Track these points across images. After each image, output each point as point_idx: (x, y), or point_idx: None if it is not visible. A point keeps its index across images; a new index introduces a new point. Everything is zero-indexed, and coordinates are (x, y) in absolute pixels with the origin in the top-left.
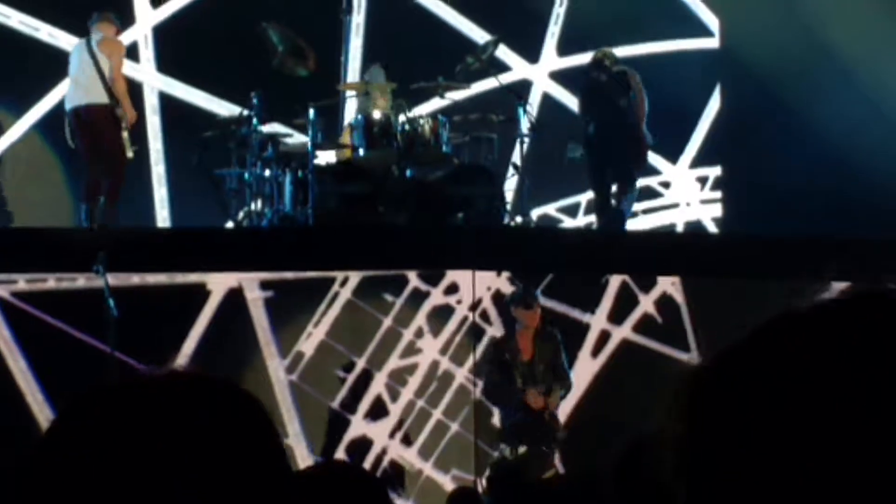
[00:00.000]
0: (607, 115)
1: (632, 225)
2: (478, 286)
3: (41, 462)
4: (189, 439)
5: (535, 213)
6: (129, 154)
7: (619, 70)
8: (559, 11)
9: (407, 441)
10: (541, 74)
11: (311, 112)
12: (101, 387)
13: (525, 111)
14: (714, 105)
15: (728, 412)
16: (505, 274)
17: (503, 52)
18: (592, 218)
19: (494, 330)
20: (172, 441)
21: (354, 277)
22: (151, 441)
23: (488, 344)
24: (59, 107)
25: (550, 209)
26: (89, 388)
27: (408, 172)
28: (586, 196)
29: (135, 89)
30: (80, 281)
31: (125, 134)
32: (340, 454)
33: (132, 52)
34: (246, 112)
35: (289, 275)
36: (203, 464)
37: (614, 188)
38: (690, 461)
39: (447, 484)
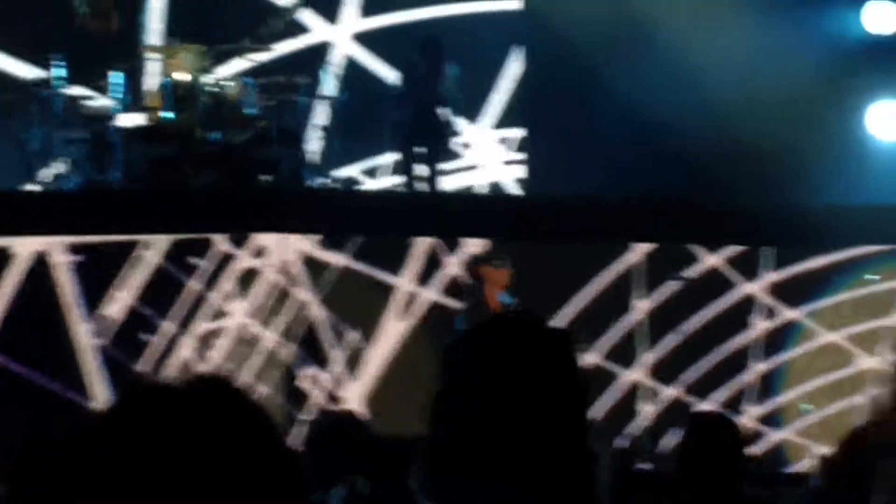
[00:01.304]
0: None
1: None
2: (286, 249)
3: (80, 450)
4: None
5: (341, 175)
6: None
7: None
8: None
9: None
10: (343, 36)
11: (116, 74)
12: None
13: (329, 73)
14: (517, 67)
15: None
16: (312, 236)
17: (307, 15)
18: (398, 179)
19: (303, 292)
20: (198, 448)
21: (161, 241)
22: (178, 447)
23: (461, 315)
24: None
25: (355, 171)
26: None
27: (213, 135)
28: (391, 158)
29: None
30: None
31: None
32: None
33: None
34: (49, 74)
35: (95, 238)
36: (221, 469)
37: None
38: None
39: None
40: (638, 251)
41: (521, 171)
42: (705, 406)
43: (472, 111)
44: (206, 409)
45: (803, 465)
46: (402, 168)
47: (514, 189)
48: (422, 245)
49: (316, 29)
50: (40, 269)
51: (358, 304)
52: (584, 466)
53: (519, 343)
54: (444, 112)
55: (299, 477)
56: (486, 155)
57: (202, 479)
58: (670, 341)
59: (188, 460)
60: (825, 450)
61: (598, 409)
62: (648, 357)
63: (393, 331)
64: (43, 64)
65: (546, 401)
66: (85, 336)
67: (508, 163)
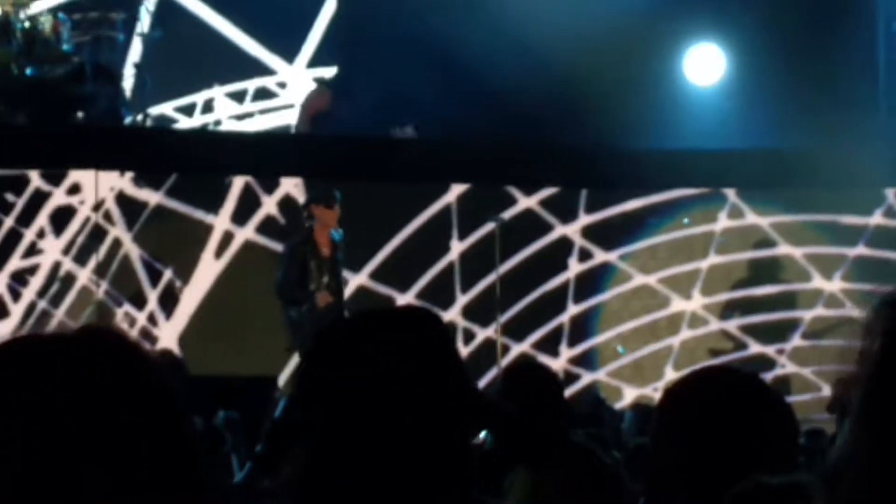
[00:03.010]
0: None
1: (250, 126)
2: (101, 186)
3: None
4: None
5: (154, 112)
6: None
7: None
8: None
9: None
10: None
11: None
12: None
13: (146, 10)
14: (330, 6)
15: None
16: (128, 174)
17: None
18: (209, 118)
19: (117, 231)
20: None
21: None
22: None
23: (286, 245)
24: None
25: (168, 108)
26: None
27: (28, 71)
28: (203, 96)
29: None
30: None
31: None
32: None
33: None
34: None
35: None
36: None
37: None
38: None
39: None
40: (454, 192)
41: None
42: (521, 347)
43: (286, 51)
44: (85, 356)
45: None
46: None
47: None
48: (238, 184)
49: None
50: None
51: (173, 243)
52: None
53: (394, 336)
54: None
55: (178, 426)
56: (300, 94)
57: (81, 425)
58: (486, 283)
59: (66, 405)
60: (639, 391)
61: None
62: (464, 298)
63: (208, 270)
64: None
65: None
66: None
67: None
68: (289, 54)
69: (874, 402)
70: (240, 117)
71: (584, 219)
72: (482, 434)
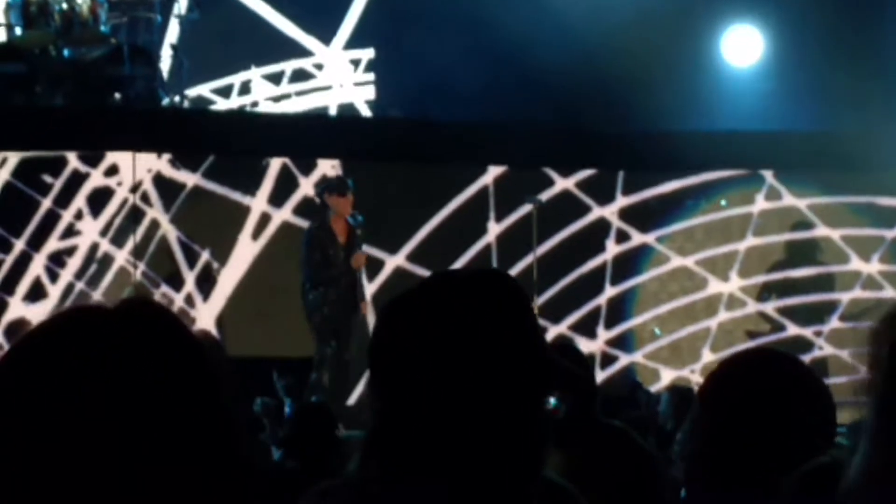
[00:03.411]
0: None
1: (286, 107)
2: (138, 168)
3: None
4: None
5: (191, 94)
6: None
7: None
8: None
9: None
10: None
11: None
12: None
13: None
14: None
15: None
16: (166, 156)
17: None
18: (246, 99)
19: (155, 212)
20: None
21: (13, 158)
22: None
23: (306, 231)
24: None
25: (205, 90)
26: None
27: (66, 53)
28: (240, 77)
29: None
30: None
31: None
32: None
33: None
34: None
35: None
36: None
37: None
38: None
39: None
40: (492, 173)
41: (371, 93)
42: (558, 329)
43: (323, 32)
44: (132, 331)
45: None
46: None
47: (365, 110)
48: (275, 165)
49: None
50: None
51: (210, 225)
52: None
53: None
54: None
55: (219, 394)
56: (337, 76)
57: (126, 400)
58: (523, 264)
59: (112, 381)
60: (675, 373)
61: None
62: None
63: (245, 251)
64: None
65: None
66: None
67: (358, 84)
68: (326, 36)
69: (887, 404)
70: (276, 99)
71: (622, 200)
72: (552, 401)
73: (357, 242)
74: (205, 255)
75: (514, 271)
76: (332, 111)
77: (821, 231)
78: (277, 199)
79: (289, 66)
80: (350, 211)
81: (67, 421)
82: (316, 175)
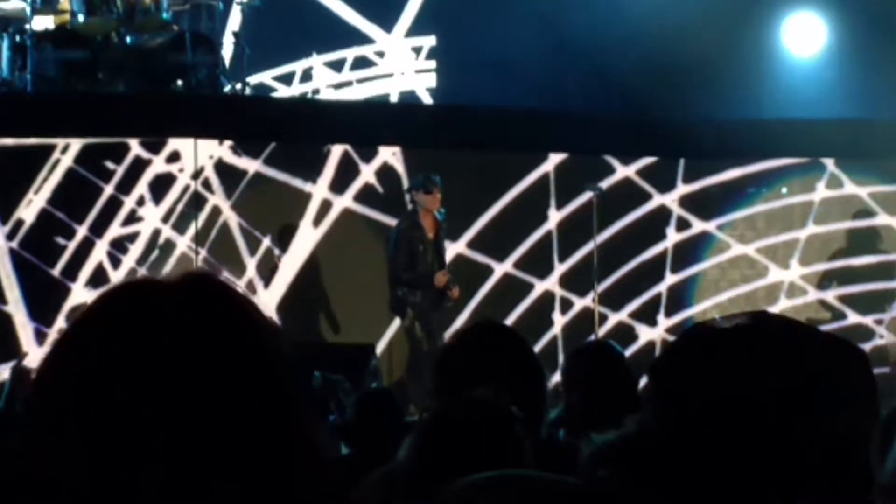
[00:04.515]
0: None
1: (348, 94)
2: (200, 155)
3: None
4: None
5: (252, 81)
6: None
7: None
8: None
9: None
10: None
11: None
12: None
13: None
14: None
15: None
16: (227, 142)
17: None
18: (308, 86)
19: (216, 199)
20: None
21: (76, 145)
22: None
23: (394, 229)
24: None
25: (267, 77)
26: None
27: (128, 39)
28: (302, 65)
29: None
30: None
31: None
32: (60, 322)
33: None
34: None
35: (8, 141)
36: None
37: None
38: None
39: None
40: (552, 161)
41: (432, 80)
42: (618, 316)
43: (385, 20)
44: (193, 305)
45: None
46: None
47: (426, 98)
48: (336, 152)
49: None
50: None
51: (271, 211)
52: None
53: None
54: None
55: (285, 372)
56: (398, 63)
57: (187, 375)
58: (584, 252)
59: (174, 355)
60: None
61: (512, 318)
62: (562, 267)
63: (306, 238)
64: None
65: None
66: None
67: (420, 71)
68: (387, 23)
69: None
70: (338, 86)
71: (682, 188)
72: None
73: (443, 237)
74: (266, 242)
75: (574, 259)
76: (394, 98)
77: (882, 219)
78: (339, 186)
79: (350, 54)
80: (438, 207)
81: (126, 394)
82: (377, 162)
